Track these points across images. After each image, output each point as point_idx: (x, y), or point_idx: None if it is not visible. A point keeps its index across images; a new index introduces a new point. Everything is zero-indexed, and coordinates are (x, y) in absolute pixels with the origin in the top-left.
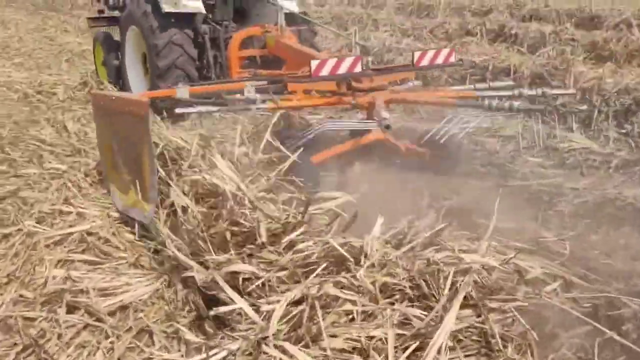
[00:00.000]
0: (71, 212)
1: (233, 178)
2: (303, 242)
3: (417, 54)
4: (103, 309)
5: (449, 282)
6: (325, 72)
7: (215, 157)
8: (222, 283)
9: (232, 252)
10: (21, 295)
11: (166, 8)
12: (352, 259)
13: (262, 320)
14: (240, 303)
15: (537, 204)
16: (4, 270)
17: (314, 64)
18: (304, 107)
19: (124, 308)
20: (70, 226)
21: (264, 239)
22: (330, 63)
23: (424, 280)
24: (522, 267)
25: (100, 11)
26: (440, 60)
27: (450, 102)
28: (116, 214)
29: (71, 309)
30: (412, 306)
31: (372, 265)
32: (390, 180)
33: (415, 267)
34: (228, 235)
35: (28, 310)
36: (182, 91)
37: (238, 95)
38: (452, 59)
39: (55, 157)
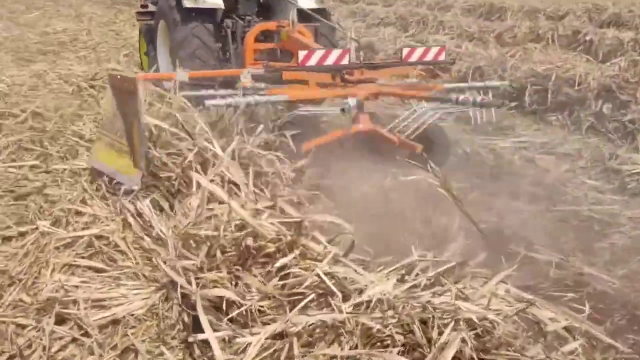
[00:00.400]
0: (86, 213)
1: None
2: (294, 266)
3: (405, 50)
4: (93, 322)
5: (444, 335)
6: (312, 62)
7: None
8: (199, 308)
9: (223, 270)
10: (20, 300)
11: (187, 4)
12: (339, 294)
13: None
14: (209, 335)
15: (586, 233)
16: (11, 270)
17: (302, 54)
18: (298, 97)
19: (115, 322)
20: (83, 228)
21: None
22: (318, 54)
23: (418, 328)
24: (541, 317)
25: (144, 6)
26: (429, 57)
27: (425, 96)
28: (132, 219)
29: (63, 319)
30: (402, 354)
31: (361, 304)
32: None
33: (407, 311)
34: (219, 253)
35: (22, 317)
36: (182, 75)
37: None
38: (442, 57)
39: (89, 154)
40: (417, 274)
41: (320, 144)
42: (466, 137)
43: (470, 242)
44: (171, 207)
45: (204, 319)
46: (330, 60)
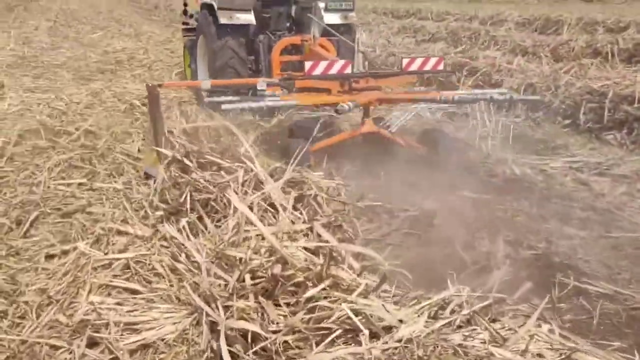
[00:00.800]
0: (126, 233)
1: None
2: (323, 298)
3: (405, 61)
4: (124, 346)
5: None
6: (318, 71)
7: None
8: (222, 340)
9: (252, 298)
10: (57, 320)
11: (222, 20)
12: (366, 331)
13: None
14: None
15: None
16: (50, 289)
17: (308, 65)
18: (306, 102)
19: (146, 347)
20: (120, 251)
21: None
22: (322, 64)
23: None
24: None
25: (185, 22)
26: (428, 67)
27: (420, 99)
28: (168, 240)
29: (95, 342)
30: None
31: (386, 343)
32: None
33: (436, 354)
34: (248, 279)
35: (56, 337)
36: (206, 83)
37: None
38: (441, 67)
39: (134, 173)
40: (452, 311)
41: (328, 146)
42: (516, 156)
43: (515, 270)
44: (207, 228)
45: (225, 352)
46: (334, 70)
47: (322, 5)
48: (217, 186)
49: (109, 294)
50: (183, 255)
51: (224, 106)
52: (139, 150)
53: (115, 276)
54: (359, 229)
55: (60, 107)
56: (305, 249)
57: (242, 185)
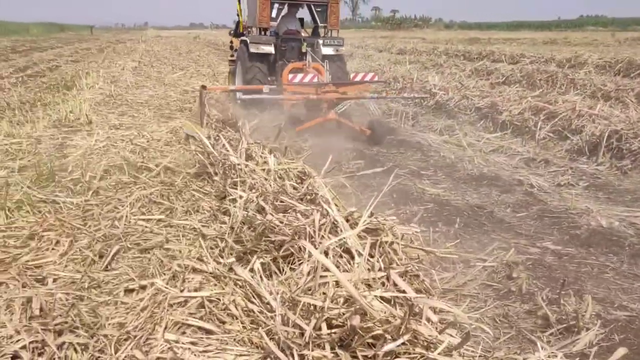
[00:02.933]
0: (201, 271)
1: (333, 272)
2: (403, 353)
3: (352, 75)
4: None
5: None
6: (296, 81)
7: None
8: None
9: (328, 349)
10: (133, 356)
11: (252, 50)
12: None
13: None
14: None
15: None
16: (129, 323)
17: (290, 76)
18: (290, 99)
19: None
20: (196, 289)
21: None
22: (299, 76)
23: None
24: None
25: (231, 56)
26: (367, 78)
27: (367, 97)
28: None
29: None
30: None
31: None
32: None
33: None
34: (324, 327)
35: None
36: (232, 88)
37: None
38: (376, 78)
39: (210, 210)
40: None
41: (308, 127)
42: (601, 207)
43: (607, 333)
44: (281, 270)
45: None
46: (306, 80)
47: (321, 42)
48: (292, 229)
49: (184, 333)
50: (256, 296)
51: (239, 95)
52: (212, 188)
53: (190, 314)
54: (436, 278)
55: (142, 144)
56: (382, 297)
57: (319, 229)
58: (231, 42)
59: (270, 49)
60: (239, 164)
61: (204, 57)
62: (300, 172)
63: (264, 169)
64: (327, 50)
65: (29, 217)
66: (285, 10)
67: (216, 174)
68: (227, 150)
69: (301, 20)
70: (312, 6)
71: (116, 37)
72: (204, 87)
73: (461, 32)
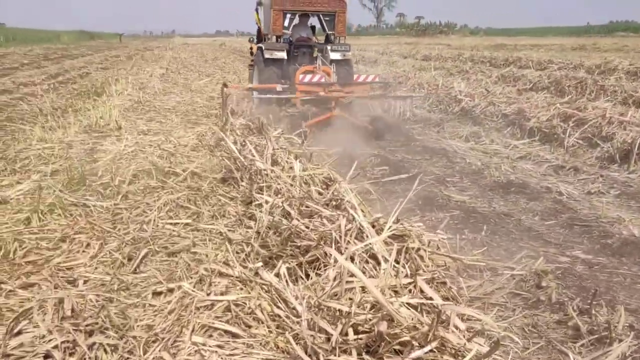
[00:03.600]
0: (227, 275)
1: (360, 277)
2: None
3: (355, 76)
4: None
5: None
6: (305, 80)
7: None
8: None
9: (354, 354)
10: (161, 357)
11: (266, 55)
12: None
13: None
14: None
15: None
16: (157, 326)
17: (300, 76)
18: (300, 97)
19: None
20: (222, 293)
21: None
22: (308, 77)
23: None
24: None
25: (251, 61)
26: (370, 79)
27: (366, 96)
28: (268, 286)
29: None
30: None
31: None
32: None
33: None
34: (351, 332)
35: None
36: (250, 86)
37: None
38: (377, 80)
39: (236, 215)
40: None
41: (316, 122)
42: (633, 216)
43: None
44: (308, 276)
45: None
46: (314, 80)
47: (329, 47)
48: (318, 234)
49: (211, 336)
50: (282, 301)
51: (254, 94)
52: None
53: (216, 317)
54: (463, 286)
55: (169, 149)
56: (408, 304)
57: (345, 234)
58: (251, 48)
59: (282, 55)
60: (264, 170)
61: (229, 64)
62: (325, 178)
63: (289, 175)
64: (335, 55)
65: (61, 220)
66: (297, 20)
67: (242, 179)
68: (254, 156)
69: (313, 28)
70: (321, 16)
71: (144, 45)
72: (225, 85)
73: (487, 39)
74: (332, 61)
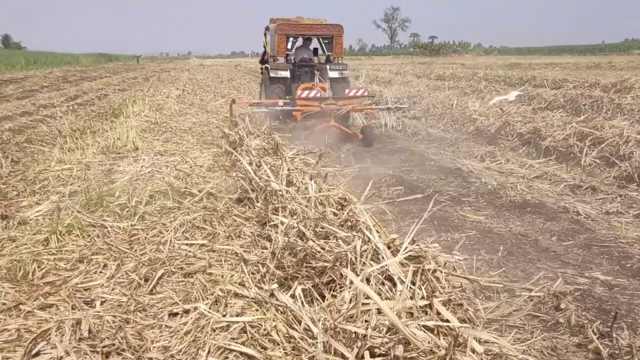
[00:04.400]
0: (243, 296)
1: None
2: None
3: (346, 91)
4: None
5: None
6: (303, 95)
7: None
8: None
9: None
10: None
11: (271, 74)
12: None
13: None
14: None
15: None
16: (173, 347)
17: (299, 92)
18: (300, 109)
19: None
20: (238, 314)
21: None
22: (306, 92)
23: None
24: None
25: (262, 79)
26: (359, 93)
27: (360, 110)
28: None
29: None
30: None
31: None
32: (598, 296)
33: None
34: (367, 356)
35: None
36: (254, 102)
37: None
38: (366, 94)
39: (250, 235)
40: None
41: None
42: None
43: None
44: (323, 297)
45: None
46: (311, 95)
47: (328, 67)
48: (333, 255)
49: (226, 358)
50: (298, 323)
51: (255, 109)
52: (253, 213)
53: (232, 339)
54: (480, 307)
55: (185, 170)
56: (425, 326)
57: (360, 256)
58: (261, 68)
59: (286, 74)
60: (280, 190)
61: (244, 84)
62: (340, 198)
63: (305, 196)
64: (333, 74)
65: (79, 241)
66: (299, 42)
67: (258, 199)
68: (269, 177)
69: (315, 50)
70: (320, 39)
71: (161, 67)
72: (233, 100)
73: (501, 58)
74: (330, 79)
